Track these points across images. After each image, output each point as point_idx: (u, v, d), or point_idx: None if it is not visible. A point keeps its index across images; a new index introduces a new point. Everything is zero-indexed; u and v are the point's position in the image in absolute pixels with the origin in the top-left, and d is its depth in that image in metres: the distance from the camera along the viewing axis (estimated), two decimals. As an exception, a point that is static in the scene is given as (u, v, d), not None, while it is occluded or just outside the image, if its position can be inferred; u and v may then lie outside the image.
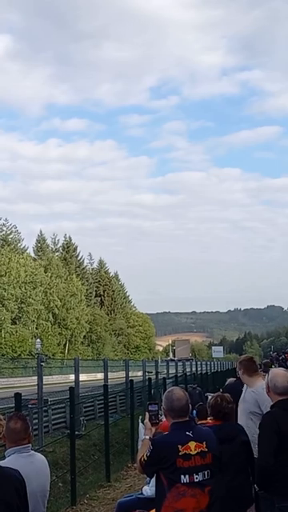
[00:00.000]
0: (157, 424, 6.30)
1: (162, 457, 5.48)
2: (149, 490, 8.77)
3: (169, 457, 5.44)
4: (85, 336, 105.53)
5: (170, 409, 5.69)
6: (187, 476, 5.42)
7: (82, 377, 27.37)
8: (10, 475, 4.48)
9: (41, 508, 5.55)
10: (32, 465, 5.54)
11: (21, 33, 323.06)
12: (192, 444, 5.50)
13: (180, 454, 5.44)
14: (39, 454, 5.97)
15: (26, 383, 34.65)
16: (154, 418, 6.29)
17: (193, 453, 5.48)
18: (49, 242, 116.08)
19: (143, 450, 5.85)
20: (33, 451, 5.74)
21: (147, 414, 6.50)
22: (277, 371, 6.75)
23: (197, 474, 5.46)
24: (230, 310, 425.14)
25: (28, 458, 5.55)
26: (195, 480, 5.44)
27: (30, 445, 5.67)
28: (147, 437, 6.12)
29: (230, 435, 6.47)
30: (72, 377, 26.48)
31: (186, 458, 5.45)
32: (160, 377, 32.75)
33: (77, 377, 23.84)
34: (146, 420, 6.39)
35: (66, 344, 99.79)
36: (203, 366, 58.62)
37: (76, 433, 15.46)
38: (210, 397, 10.91)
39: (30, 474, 5.35)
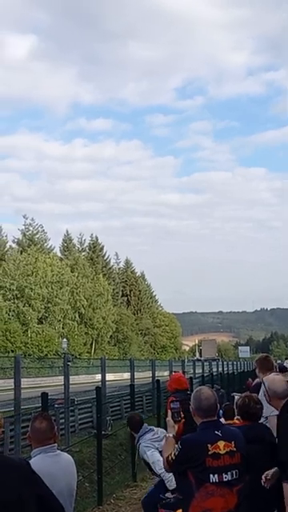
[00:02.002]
0: (179, 421, 6.28)
1: (191, 456, 5.46)
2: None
3: (198, 456, 5.43)
4: (111, 336, 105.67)
5: (199, 408, 5.67)
6: (216, 475, 5.40)
7: (109, 376, 27.38)
8: (12, 462, 4.46)
9: (68, 508, 5.51)
10: (58, 464, 5.53)
11: (46, 32, 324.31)
12: (221, 443, 5.49)
13: (209, 453, 5.42)
14: (65, 453, 5.96)
15: (52, 383, 34.71)
16: (177, 416, 6.27)
17: (222, 452, 5.46)
18: (75, 241, 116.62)
19: (169, 448, 5.85)
20: (59, 451, 5.73)
21: (169, 411, 6.48)
22: (271, 378, 6.72)
23: (226, 474, 5.44)
24: (256, 310, 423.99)
25: (54, 458, 5.53)
26: (224, 479, 5.42)
27: (56, 444, 5.65)
28: (171, 435, 6.11)
29: (258, 436, 6.42)
30: (98, 376, 26.49)
31: (215, 457, 5.43)
32: (186, 377, 32.69)
33: (103, 376, 23.85)
34: (169, 418, 6.38)
35: (92, 344, 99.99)
36: (229, 365, 58.41)
37: (102, 432, 15.48)
38: (236, 397, 10.87)
39: (57, 474, 5.38)
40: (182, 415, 6.33)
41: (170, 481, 9.33)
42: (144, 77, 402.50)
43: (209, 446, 5.44)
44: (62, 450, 5.99)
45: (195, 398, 5.73)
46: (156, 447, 9.77)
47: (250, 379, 22.98)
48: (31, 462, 5.05)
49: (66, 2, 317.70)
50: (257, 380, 8.49)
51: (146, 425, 10.43)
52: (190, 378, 26.79)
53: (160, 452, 9.38)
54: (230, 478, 5.44)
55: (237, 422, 9.53)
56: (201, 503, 5.39)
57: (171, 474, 9.22)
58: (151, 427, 10.52)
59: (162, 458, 9.58)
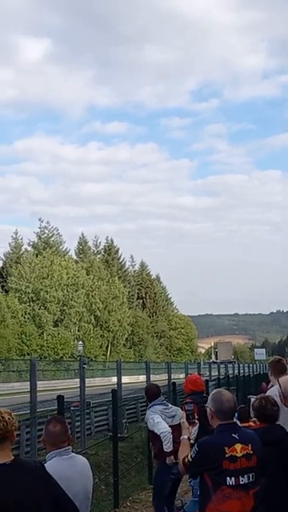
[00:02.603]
0: (194, 423, 6.25)
1: (208, 458, 5.41)
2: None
3: (215, 458, 5.38)
4: (127, 338, 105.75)
5: (220, 410, 5.62)
6: (233, 478, 5.36)
7: (125, 379, 27.37)
8: (27, 465, 4.47)
9: (84, 510, 5.51)
10: (74, 467, 5.51)
11: (61, 36, 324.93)
12: (238, 446, 5.44)
13: (226, 455, 5.38)
14: (80, 456, 5.94)
15: (68, 385, 34.82)
16: (192, 418, 6.24)
17: (239, 455, 5.42)
18: (90, 244, 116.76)
19: (184, 450, 5.83)
20: (74, 453, 5.71)
21: (184, 413, 6.44)
22: (285, 379, 6.69)
23: (242, 477, 5.39)
24: (272, 312, 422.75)
25: (69, 461, 5.52)
26: (241, 482, 5.37)
27: (71, 447, 5.64)
28: (185, 436, 6.08)
29: (275, 438, 6.37)
30: (114, 379, 26.49)
31: (232, 460, 5.38)
32: (202, 379, 32.59)
33: (119, 379, 23.84)
34: (184, 419, 6.35)
35: (108, 346, 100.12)
36: (245, 368, 58.25)
37: (118, 435, 15.43)
38: (252, 399, 10.83)
39: (73, 477, 5.36)
40: (197, 417, 6.31)
41: (168, 441, 9.69)
42: (159, 80, 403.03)
43: (226, 448, 5.40)
44: (77, 453, 5.98)
45: (216, 400, 5.68)
46: (162, 418, 9.97)
47: (264, 383, 22.86)
48: (47, 465, 5.04)
49: (80, 6, 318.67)
50: (271, 385, 8.45)
51: (162, 398, 10.58)
52: (206, 380, 26.74)
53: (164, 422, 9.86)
54: (246, 481, 5.40)
55: (252, 424, 9.49)
56: (217, 506, 5.35)
57: (170, 436, 9.64)
58: (166, 402, 10.69)
59: (164, 423, 9.78)
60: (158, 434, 9.83)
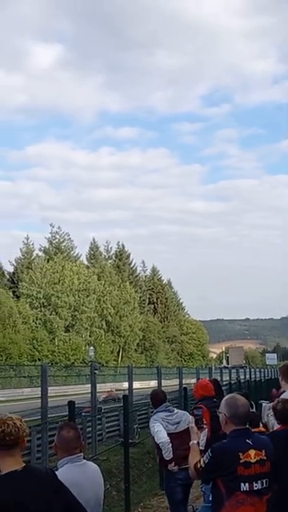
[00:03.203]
0: (202, 429, 6.23)
1: (222, 464, 5.39)
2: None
3: (229, 464, 5.36)
4: (138, 343, 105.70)
5: (235, 415, 5.58)
6: (247, 484, 5.34)
7: (136, 384, 27.33)
8: (39, 472, 4.47)
9: (95, 516, 5.51)
10: (85, 474, 5.49)
11: (71, 41, 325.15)
12: (252, 452, 5.42)
13: (241, 461, 5.35)
14: (91, 462, 5.92)
15: (79, 391, 34.80)
16: (200, 423, 6.22)
17: (252, 461, 5.39)
18: (101, 249, 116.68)
19: (195, 455, 5.80)
20: (85, 460, 5.69)
21: (193, 418, 6.41)
22: None
23: (256, 483, 5.37)
24: (283, 317, 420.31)
25: (81, 468, 5.49)
26: (254, 488, 5.36)
27: (82, 454, 5.63)
28: (195, 441, 6.06)
29: None
30: (125, 384, 26.47)
31: (246, 465, 5.36)
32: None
33: (130, 384, 23.83)
34: (193, 424, 6.33)
35: (119, 351, 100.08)
36: (257, 373, 58.11)
37: (130, 441, 15.42)
38: (264, 404, 10.78)
39: (84, 484, 5.34)
40: (205, 422, 6.30)
41: (167, 451, 9.73)
42: (170, 85, 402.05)
43: (240, 454, 5.38)
44: (89, 459, 5.97)
45: (231, 405, 5.64)
46: (164, 425, 9.95)
47: (274, 389, 22.71)
48: (58, 472, 5.03)
49: (90, 11, 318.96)
50: (282, 390, 8.40)
51: (167, 404, 10.55)
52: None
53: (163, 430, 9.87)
54: (260, 487, 5.38)
55: (262, 429, 9.46)
56: (231, 512, 5.34)
57: (168, 446, 9.69)
58: (171, 408, 10.62)
59: (163, 431, 9.77)
60: (157, 442, 9.87)
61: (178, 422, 9.95)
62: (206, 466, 5.50)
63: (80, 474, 5.38)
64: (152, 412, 11.62)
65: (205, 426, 6.37)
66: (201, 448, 6.18)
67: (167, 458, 9.73)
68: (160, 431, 9.85)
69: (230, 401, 5.72)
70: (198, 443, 6.04)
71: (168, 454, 9.70)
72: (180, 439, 9.25)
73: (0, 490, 4.15)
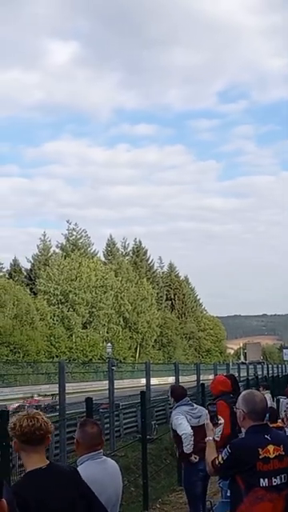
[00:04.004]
0: (217, 425, 6.23)
1: (241, 460, 5.39)
2: None
3: (249, 460, 5.36)
4: (156, 340, 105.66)
5: (253, 411, 5.57)
6: (266, 480, 5.35)
7: (153, 381, 27.36)
8: (62, 469, 4.52)
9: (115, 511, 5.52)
10: (106, 471, 5.49)
11: (88, 39, 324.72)
12: (271, 447, 5.42)
13: (260, 457, 5.36)
14: (110, 459, 5.93)
15: (97, 387, 34.86)
16: (216, 419, 6.22)
17: (271, 456, 5.40)
18: (119, 246, 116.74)
19: (212, 452, 5.80)
20: (104, 457, 5.70)
21: (208, 414, 6.41)
22: None
23: (275, 478, 5.38)
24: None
25: (102, 464, 5.49)
26: (273, 484, 5.36)
27: (102, 450, 5.63)
28: (211, 438, 6.07)
29: None
30: (143, 381, 26.49)
31: (265, 461, 5.37)
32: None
33: (148, 381, 23.84)
34: (208, 421, 6.33)
35: (136, 348, 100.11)
36: (274, 368, 58.01)
37: (148, 437, 15.45)
38: (281, 400, 10.79)
39: (105, 481, 5.35)
40: (220, 418, 6.30)
41: (188, 443, 9.75)
42: (186, 82, 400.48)
43: (259, 450, 5.38)
44: (107, 455, 5.97)
45: (249, 401, 5.63)
46: (188, 418, 9.99)
47: None
48: (79, 468, 5.05)
49: (106, 9, 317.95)
50: None
51: (188, 399, 10.60)
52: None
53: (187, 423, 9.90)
54: (279, 482, 5.39)
55: (280, 424, 9.46)
56: (250, 508, 5.33)
57: (191, 438, 9.71)
58: (192, 403, 10.70)
59: (187, 424, 9.82)
60: (180, 434, 9.85)
61: (200, 416, 9.95)
62: (225, 463, 5.50)
63: (101, 471, 5.39)
64: (170, 408, 11.63)
65: (220, 422, 6.35)
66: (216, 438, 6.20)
67: (187, 452, 9.73)
68: (183, 424, 9.87)
69: (248, 396, 5.71)
70: (214, 439, 6.04)
71: (189, 447, 9.71)
72: (202, 433, 9.28)
73: (23, 487, 4.17)
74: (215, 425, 6.17)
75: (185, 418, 9.92)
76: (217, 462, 5.60)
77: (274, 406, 16.56)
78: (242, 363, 71.33)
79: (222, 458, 5.52)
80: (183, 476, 10.76)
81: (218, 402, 9.07)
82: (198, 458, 9.48)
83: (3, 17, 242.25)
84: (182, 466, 11.37)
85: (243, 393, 5.91)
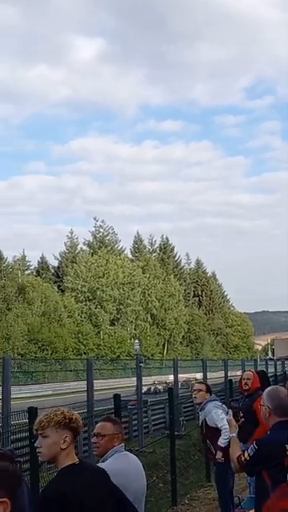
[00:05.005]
0: (239, 421, 6.23)
1: (268, 456, 5.38)
2: None
3: (276, 456, 5.35)
4: (183, 336, 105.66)
5: (279, 407, 5.56)
6: None
7: (181, 377, 27.36)
8: (92, 467, 4.58)
9: (142, 507, 5.55)
10: (132, 465, 5.53)
11: (113, 35, 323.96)
12: None
13: (287, 453, 5.36)
14: (132, 454, 5.97)
15: (125, 384, 34.89)
16: (238, 416, 6.24)
17: None
18: (145, 242, 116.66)
19: (236, 448, 5.81)
20: (126, 451, 5.74)
21: (230, 411, 6.42)
22: None
23: None
24: None
25: (126, 457, 5.53)
26: None
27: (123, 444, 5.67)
28: (234, 434, 6.08)
29: None
30: (171, 377, 26.51)
31: None
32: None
33: (176, 377, 23.86)
34: (231, 417, 6.36)
35: (164, 344, 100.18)
36: (303, 364, 57.78)
37: (176, 433, 15.46)
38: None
39: (131, 473, 5.39)
40: (242, 414, 6.31)
41: (228, 437, 9.59)
42: (212, 77, 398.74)
43: (287, 446, 5.37)
44: (135, 451, 6.02)
45: (274, 397, 5.62)
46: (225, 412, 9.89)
47: None
48: (108, 461, 5.12)
49: (131, 4, 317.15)
50: None
51: (214, 395, 10.61)
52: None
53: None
54: None
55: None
56: (276, 503, 5.31)
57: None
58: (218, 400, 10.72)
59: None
60: (222, 428, 9.77)
61: (227, 413, 10.01)
62: (252, 459, 5.49)
63: (128, 465, 5.43)
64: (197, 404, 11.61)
65: (242, 419, 6.36)
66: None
67: (224, 445, 9.68)
68: (225, 418, 9.86)
69: (273, 393, 5.71)
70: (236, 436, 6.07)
71: (226, 442, 9.66)
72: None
73: (62, 482, 4.21)
74: (238, 421, 6.17)
75: (224, 412, 9.90)
76: (243, 459, 5.59)
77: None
78: (270, 359, 70.93)
79: (249, 455, 5.51)
80: (216, 471, 10.69)
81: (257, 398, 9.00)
82: (223, 459, 9.46)
83: (30, 12, 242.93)
84: (209, 462, 11.34)
85: (268, 389, 5.91)
